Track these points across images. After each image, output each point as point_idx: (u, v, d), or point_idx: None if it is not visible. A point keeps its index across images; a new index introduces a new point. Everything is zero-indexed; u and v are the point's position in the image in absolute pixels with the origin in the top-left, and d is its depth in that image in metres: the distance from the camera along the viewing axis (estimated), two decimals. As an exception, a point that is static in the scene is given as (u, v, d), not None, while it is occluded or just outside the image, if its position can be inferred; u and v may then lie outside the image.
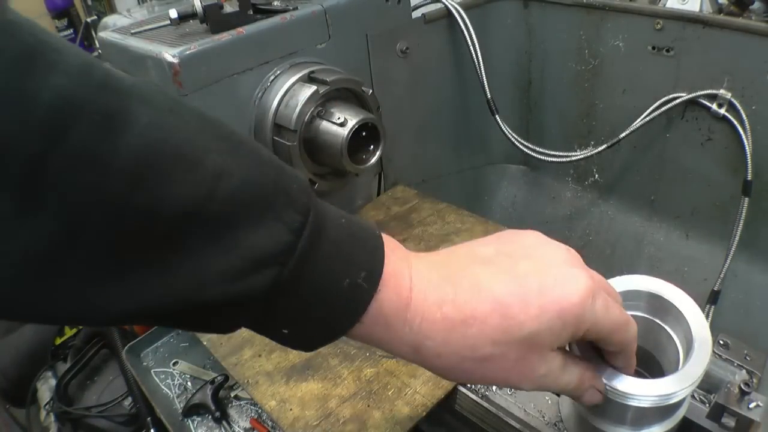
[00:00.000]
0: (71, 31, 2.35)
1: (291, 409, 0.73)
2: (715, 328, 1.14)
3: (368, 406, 0.73)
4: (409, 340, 0.39)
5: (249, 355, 0.82)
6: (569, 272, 0.41)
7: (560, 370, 0.43)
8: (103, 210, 0.28)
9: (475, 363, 0.39)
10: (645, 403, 0.48)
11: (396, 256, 0.40)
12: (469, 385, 0.76)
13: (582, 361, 0.46)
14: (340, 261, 0.37)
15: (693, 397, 0.71)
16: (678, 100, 1.07)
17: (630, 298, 0.55)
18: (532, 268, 0.40)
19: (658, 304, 0.55)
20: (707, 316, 1.10)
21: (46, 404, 1.60)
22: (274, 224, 0.34)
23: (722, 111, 1.03)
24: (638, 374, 0.50)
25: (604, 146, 1.17)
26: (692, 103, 1.07)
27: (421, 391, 0.73)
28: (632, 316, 0.50)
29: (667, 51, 1.07)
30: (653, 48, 1.09)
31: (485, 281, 0.40)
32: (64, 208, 0.27)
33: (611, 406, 0.50)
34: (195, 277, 0.32)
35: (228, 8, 0.87)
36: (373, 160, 0.92)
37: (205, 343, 0.86)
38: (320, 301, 0.37)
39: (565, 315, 0.39)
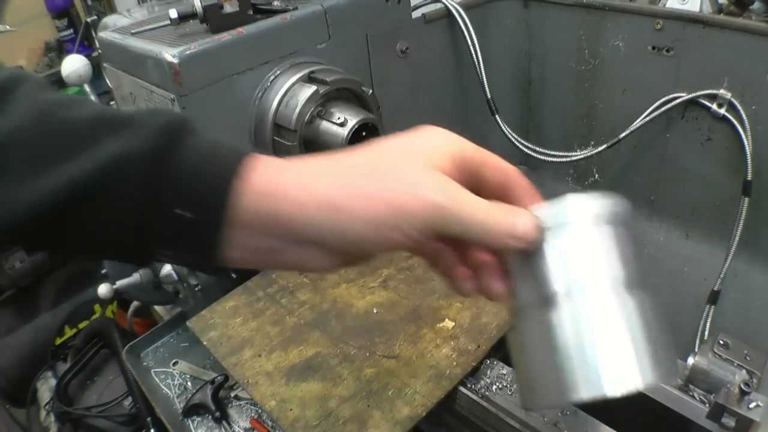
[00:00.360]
0: (71, 31, 2.34)
1: (291, 409, 0.73)
2: (715, 328, 1.14)
3: (368, 406, 0.73)
4: (298, 191, 0.40)
5: (249, 355, 0.82)
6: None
7: (464, 191, 0.40)
8: (27, 130, 0.39)
9: (377, 180, 0.39)
10: (585, 213, 0.41)
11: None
12: (469, 385, 0.76)
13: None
14: (214, 140, 0.42)
15: (693, 396, 0.71)
16: (678, 100, 1.07)
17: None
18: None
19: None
20: (707, 316, 1.10)
21: (46, 404, 1.60)
22: (156, 116, 0.41)
23: (722, 111, 1.03)
24: None
25: (604, 146, 1.17)
26: (692, 103, 1.07)
27: (421, 391, 0.73)
28: None
29: (667, 51, 1.07)
30: (653, 48, 1.09)
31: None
32: (14, 118, 0.39)
33: (541, 259, 0.41)
34: (99, 152, 0.38)
35: (228, 8, 0.87)
36: (373, 160, 0.92)
37: (205, 343, 0.86)
38: (207, 160, 0.40)
39: (410, 142, 0.44)
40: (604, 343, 0.38)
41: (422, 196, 0.38)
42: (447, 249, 0.46)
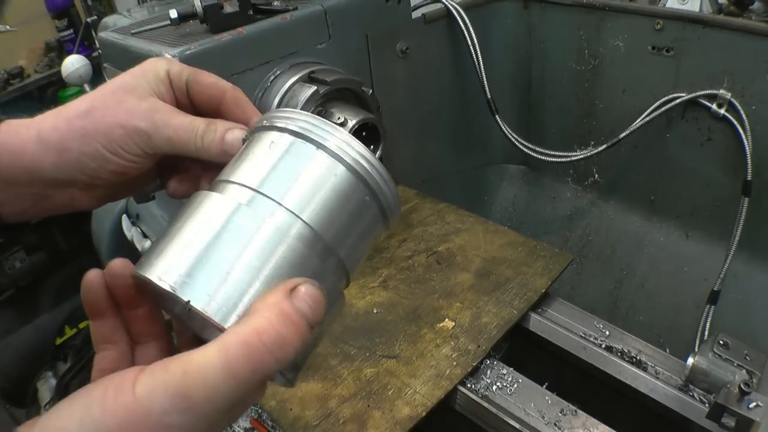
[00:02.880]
0: (71, 31, 2.35)
1: (291, 409, 0.73)
2: (715, 328, 1.14)
3: (368, 406, 0.72)
4: (34, 145, 0.44)
5: (249, 355, 0.82)
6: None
7: (172, 109, 0.45)
8: None
9: (94, 117, 0.43)
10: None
11: None
12: (469, 385, 0.76)
13: None
14: None
15: (693, 396, 0.71)
16: (678, 100, 1.07)
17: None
18: None
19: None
20: (707, 316, 1.10)
21: (46, 404, 1.60)
22: None
23: (722, 111, 1.03)
24: None
25: (604, 146, 1.17)
26: (692, 103, 1.07)
27: (421, 391, 0.73)
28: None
29: (667, 51, 1.07)
30: (653, 48, 1.09)
31: None
32: None
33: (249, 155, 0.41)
34: None
35: (228, 8, 0.87)
36: (373, 160, 0.92)
37: (205, 343, 0.86)
38: None
39: (127, 74, 0.46)
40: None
41: (129, 125, 0.43)
42: (179, 160, 0.48)
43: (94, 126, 0.43)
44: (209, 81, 0.47)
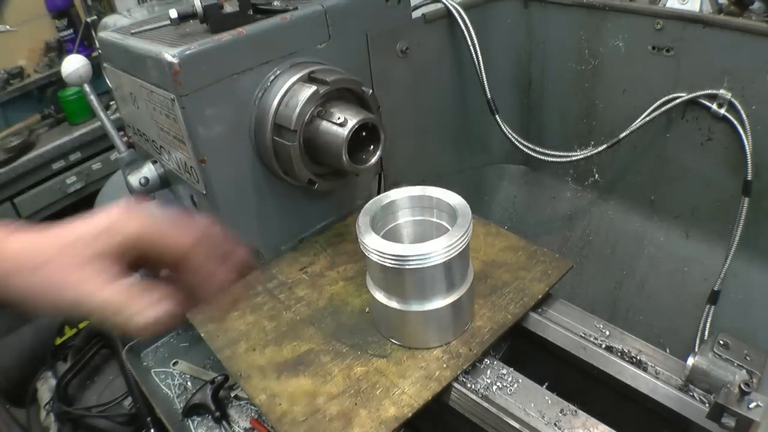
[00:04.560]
0: (71, 31, 2.35)
1: (280, 404, 0.73)
2: (715, 328, 1.14)
3: (355, 404, 0.72)
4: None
5: (244, 348, 0.82)
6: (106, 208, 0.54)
7: (103, 280, 0.50)
8: None
9: (44, 268, 0.50)
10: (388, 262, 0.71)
11: None
12: (469, 385, 0.76)
13: (138, 280, 0.53)
14: None
15: (693, 396, 0.71)
16: (678, 100, 1.07)
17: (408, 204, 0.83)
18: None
19: (429, 205, 0.82)
20: (707, 316, 1.10)
21: (46, 404, 1.59)
22: None
23: (722, 111, 1.03)
24: None
25: (604, 146, 1.17)
26: (692, 103, 1.07)
27: (409, 391, 0.73)
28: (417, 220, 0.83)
29: (667, 51, 1.07)
30: (653, 48, 1.09)
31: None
32: None
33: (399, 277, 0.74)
34: None
35: (228, 8, 0.87)
36: (373, 160, 0.92)
37: (202, 334, 0.87)
38: None
39: (97, 224, 0.51)
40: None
41: (65, 294, 0.49)
42: None
43: (41, 286, 0.50)
44: (169, 243, 0.52)
